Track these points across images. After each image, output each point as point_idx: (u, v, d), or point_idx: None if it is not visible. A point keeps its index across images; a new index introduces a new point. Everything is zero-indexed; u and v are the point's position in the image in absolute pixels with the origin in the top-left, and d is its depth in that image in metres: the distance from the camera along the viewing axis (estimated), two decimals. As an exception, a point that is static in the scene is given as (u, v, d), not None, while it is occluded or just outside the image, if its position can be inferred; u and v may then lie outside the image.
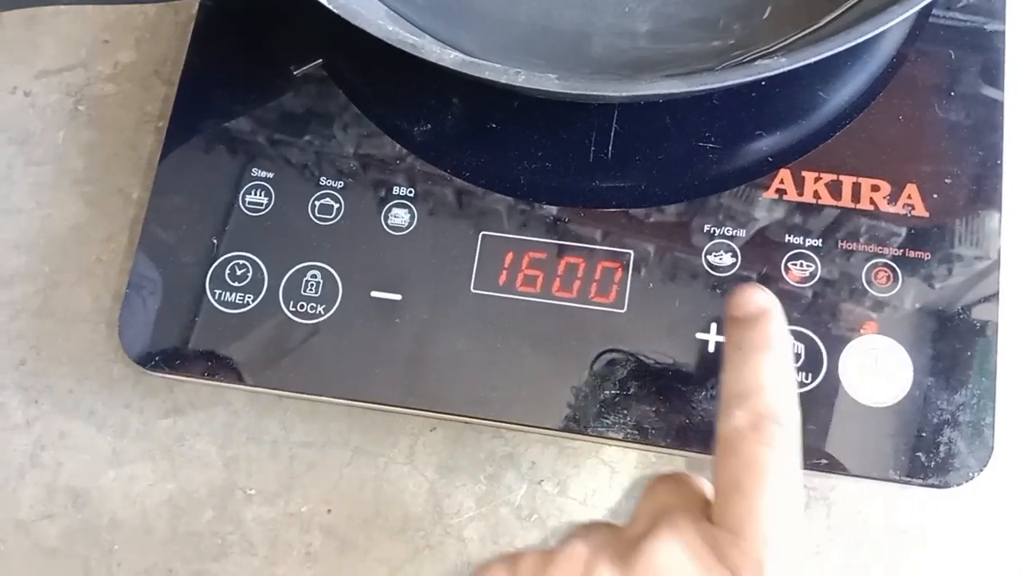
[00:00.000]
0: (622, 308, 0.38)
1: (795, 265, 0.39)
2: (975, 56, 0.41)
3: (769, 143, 0.40)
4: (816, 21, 0.41)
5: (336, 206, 0.40)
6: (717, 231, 0.39)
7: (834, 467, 0.36)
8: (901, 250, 0.38)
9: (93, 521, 0.41)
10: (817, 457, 0.36)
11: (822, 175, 0.40)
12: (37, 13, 0.48)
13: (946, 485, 0.36)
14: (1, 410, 0.43)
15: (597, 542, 0.30)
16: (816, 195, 0.39)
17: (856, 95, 0.41)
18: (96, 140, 0.46)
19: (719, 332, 0.38)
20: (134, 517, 0.41)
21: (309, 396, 0.39)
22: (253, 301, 0.39)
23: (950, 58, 0.41)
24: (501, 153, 0.41)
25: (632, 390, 0.38)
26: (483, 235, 0.40)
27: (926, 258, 0.38)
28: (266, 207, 0.41)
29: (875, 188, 0.39)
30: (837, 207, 0.39)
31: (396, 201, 0.40)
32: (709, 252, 0.39)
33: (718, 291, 0.38)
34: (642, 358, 0.38)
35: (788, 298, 0.38)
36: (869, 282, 0.38)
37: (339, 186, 0.41)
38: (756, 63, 0.35)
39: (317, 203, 0.40)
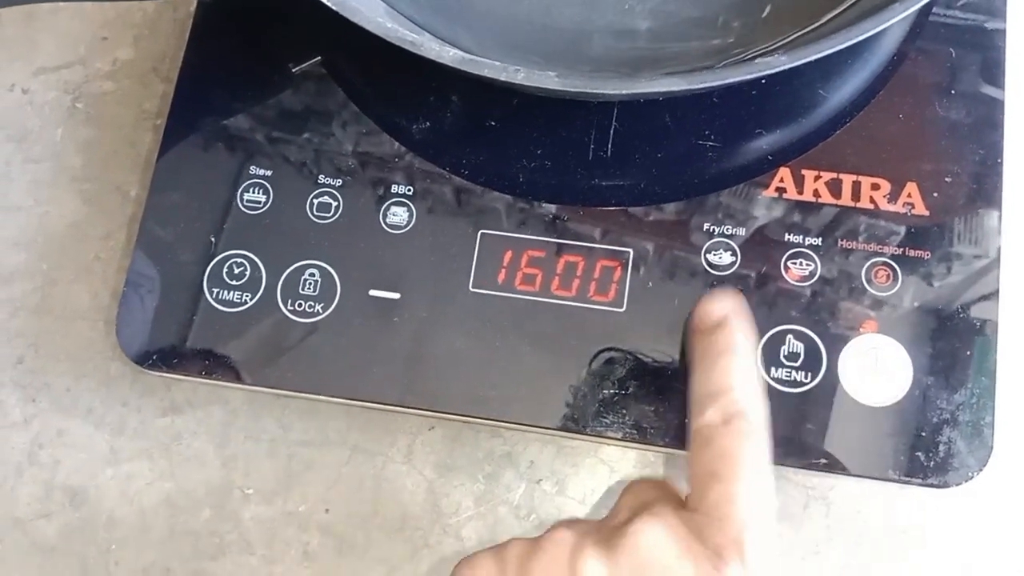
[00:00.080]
0: (621, 307, 0.38)
1: (795, 264, 0.38)
2: (975, 54, 0.41)
3: (769, 141, 0.40)
4: (816, 19, 0.41)
5: (334, 204, 0.40)
6: (716, 230, 0.39)
7: (833, 467, 0.36)
8: (901, 249, 0.38)
9: (91, 519, 0.41)
10: (816, 457, 0.36)
11: (822, 173, 0.40)
12: (35, 10, 0.48)
13: (945, 485, 0.36)
14: (-1, 408, 0.43)
15: (583, 529, 0.31)
16: (816, 193, 0.39)
17: (856, 93, 0.41)
18: (94, 137, 0.46)
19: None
20: (132, 516, 0.41)
21: (307, 395, 0.39)
22: (251, 300, 0.39)
23: (950, 56, 0.41)
24: (500, 151, 0.41)
25: (631, 389, 0.37)
26: (482, 233, 0.40)
27: (926, 257, 0.38)
28: (264, 205, 0.41)
29: (875, 187, 0.39)
30: (837, 206, 0.39)
31: (395, 199, 0.40)
32: (708, 251, 0.39)
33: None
34: (641, 357, 0.38)
35: (788, 297, 0.38)
36: (869, 281, 0.38)
37: (338, 184, 0.41)
38: (756, 61, 0.35)
39: (315, 201, 0.40)
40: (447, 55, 0.35)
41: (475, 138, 0.41)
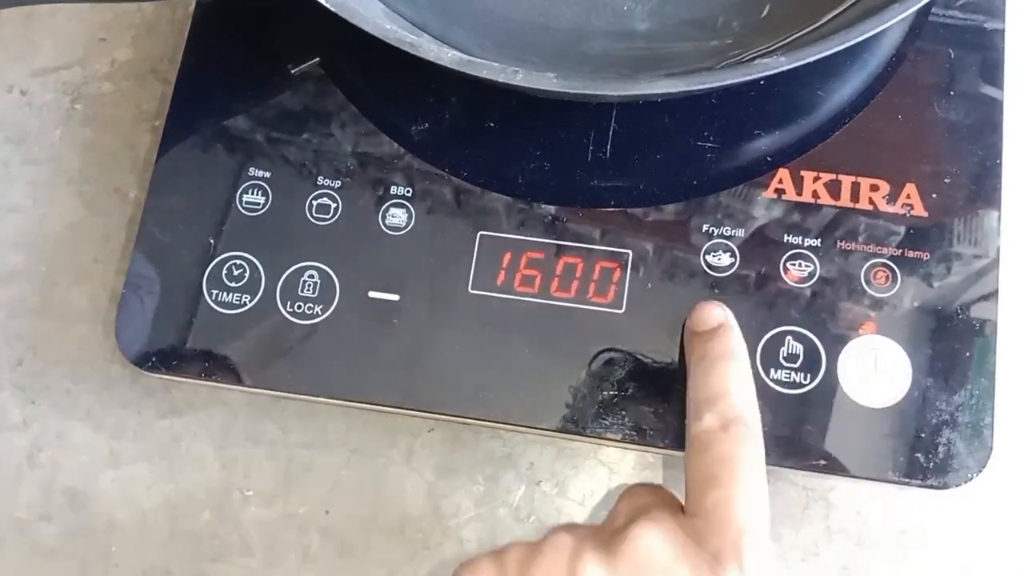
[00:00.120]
0: (620, 308, 0.38)
1: (794, 265, 0.38)
2: (974, 55, 0.41)
3: (768, 142, 0.40)
4: (816, 20, 0.41)
5: (333, 206, 0.40)
6: (716, 231, 0.39)
7: (833, 468, 0.36)
8: (900, 250, 0.38)
9: (90, 522, 0.41)
10: (816, 458, 0.36)
11: (821, 175, 0.40)
12: (34, 11, 0.48)
13: (945, 486, 0.36)
14: (-2, 410, 0.43)
15: (582, 534, 0.31)
16: (815, 195, 0.39)
17: (855, 94, 0.41)
18: (93, 139, 0.46)
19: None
20: (132, 518, 0.41)
21: (307, 397, 0.39)
22: (250, 301, 0.39)
23: (949, 57, 0.41)
24: (499, 152, 0.41)
25: (630, 391, 0.37)
26: (481, 235, 0.40)
27: (925, 258, 0.38)
28: (263, 207, 0.40)
29: (874, 188, 0.39)
30: (836, 207, 0.39)
31: (394, 201, 0.40)
32: (708, 252, 0.39)
33: (717, 291, 0.38)
34: (640, 359, 0.38)
35: (787, 298, 0.38)
36: (868, 282, 0.38)
37: (337, 186, 0.41)
38: (755, 62, 0.35)
39: (314, 203, 0.40)
40: (446, 57, 0.35)
41: (474, 139, 0.41)
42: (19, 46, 0.48)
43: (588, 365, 0.38)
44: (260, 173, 0.41)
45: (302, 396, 0.39)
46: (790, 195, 0.39)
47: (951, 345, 0.37)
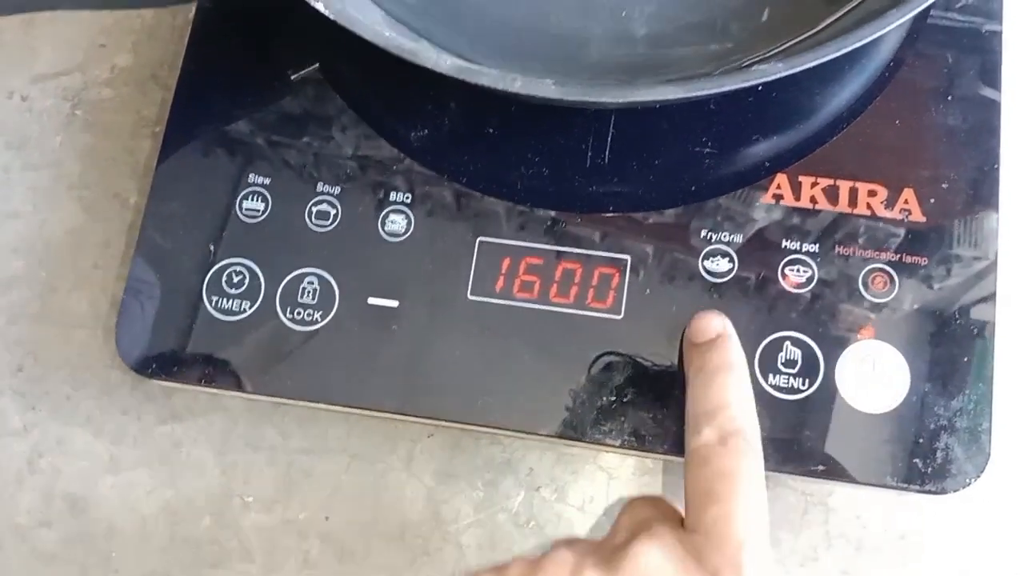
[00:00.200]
0: (619, 314, 0.38)
1: (792, 270, 0.39)
2: (972, 58, 0.41)
3: (766, 148, 0.40)
4: (814, 25, 0.41)
5: (333, 212, 0.40)
6: (714, 236, 0.39)
7: (831, 474, 0.36)
8: (898, 255, 0.38)
9: (91, 528, 0.41)
10: (814, 463, 0.36)
11: (819, 180, 0.40)
12: (34, 17, 0.48)
13: (943, 491, 0.36)
14: (-2, 416, 0.43)
15: (583, 549, 0.31)
16: (813, 200, 0.39)
17: (853, 99, 0.41)
18: (93, 145, 0.46)
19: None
20: (132, 524, 0.41)
21: (306, 403, 0.39)
22: (250, 308, 0.39)
23: (947, 61, 0.41)
24: (498, 158, 0.41)
25: (629, 396, 0.37)
26: (480, 241, 0.40)
27: (923, 263, 0.38)
28: (263, 213, 0.41)
29: (872, 193, 0.39)
30: (834, 212, 0.39)
31: (393, 207, 0.40)
32: (706, 257, 0.39)
33: (715, 296, 0.38)
34: (639, 364, 0.38)
35: (785, 303, 0.38)
36: (866, 287, 0.38)
37: (336, 192, 0.41)
38: (753, 68, 0.35)
39: (314, 209, 0.40)
40: (444, 64, 0.35)
41: (473, 145, 0.41)
42: (19, 52, 0.48)
43: (587, 371, 0.38)
44: (260, 179, 0.41)
45: (302, 402, 0.39)
46: (788, 200, 0.39)
47: (949, 350, 0.37)
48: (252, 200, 0.41)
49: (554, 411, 0.38)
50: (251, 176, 0.41)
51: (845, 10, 0.41)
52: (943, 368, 0.37)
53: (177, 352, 0.39)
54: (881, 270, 0.38)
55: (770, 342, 0.38)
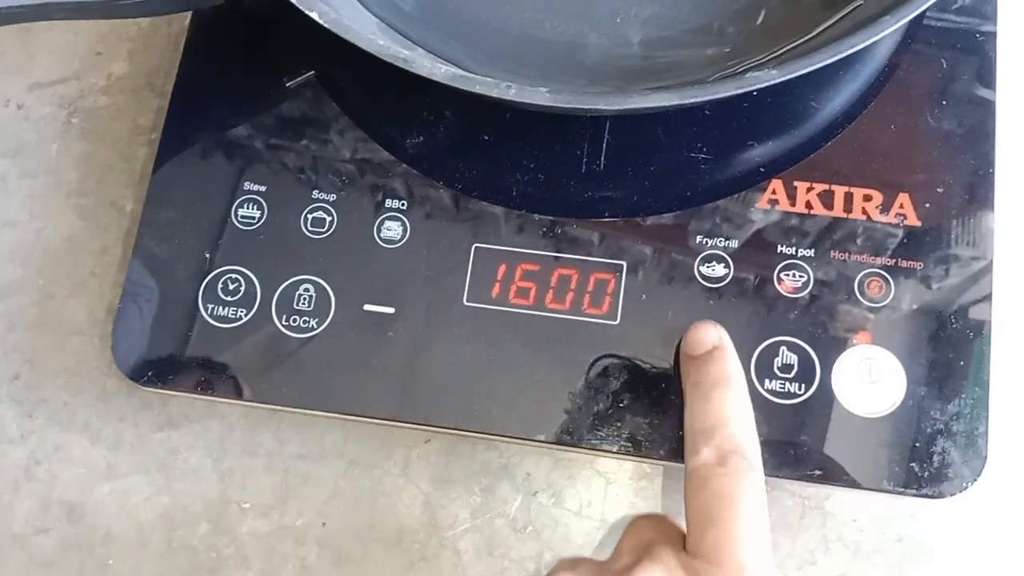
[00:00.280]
0: (615, 320, 0.38)
1: (788, 275, 0.39)
2: (967, 60, 0.41)
3: (761, 153, 0.40)
4: (810, 30, 0.41)
5: (329, 219, 0.40)
6: (709, 241, 0.39)
7: (828, 478, 0.36)
8: (894, 259, 0.38)
9: (88, 535, 0.41)
10: (811, 468, 0.36)
11: (814, 185, 0.40)
12: (31, 25, 0.48)
13: (940, 495, 0.36)
14: (-4, 424, 0.43)
15: (585, 572, 0.31)
16: (808, 205, 0.39)
17: (848, 104, 0.41)
18: (89, 152, 0.46)
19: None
20: (129, 531, 0.41)
21: (303, 410, 0.39)
22: (246, 315, 0.39)
23: (942, 63, 0.41)
24: (493, 165, 0.41)
25: (625, 402, 0.37)
26: (476, 247, 0.40)
27: (919, 267, 0.38)
28: (258, 220, 0.41)
29: (867, 197, 0.39)
30: (829, 217, 0.39)
31: (389, 214, 0.40)
32: (701, 263, 0.39)
33: (711, 301, 0.38)
34: (635, 370, 0.38)
35: (781, 308, 0.38)
36: (862, 292, 0.38)
37: (332, 199, 0.41)
38: (747, 75, 0.35)
39: (310, 216, 0.40)
40: (439, 72, 0.35)
41: (468, 152, 0.41)
42: (16, 60, 0.48)
43: (583, 376, 0.38)
44: (255, 187, 0.41)
45: (298, 409, 0.39)
46: (784, 205, 0.39)
47: (945, 354, 0.37)
48: (248, 207, 0.41)
49: (550, 417, 0.38)
50: (247, 183, 0.41)
51: (841, 14, 0.41)
52: (939, 372, 0.37)
53: (173, 359, 0.39)
54: (877, 274, 0.38)
55: (766, 347, 0.38)
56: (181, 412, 0.42)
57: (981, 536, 0.39)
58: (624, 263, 0.39)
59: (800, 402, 0.37)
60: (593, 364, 0.38)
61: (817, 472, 0.36)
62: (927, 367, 0.37)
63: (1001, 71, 0.41)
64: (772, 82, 0.35)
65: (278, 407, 0.39)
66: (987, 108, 0.41)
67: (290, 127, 0.42)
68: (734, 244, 0.39)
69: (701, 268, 0.39)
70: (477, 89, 0.35)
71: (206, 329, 0.39)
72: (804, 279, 0.38)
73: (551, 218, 0.40)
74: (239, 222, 0.41)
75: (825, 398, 0.37)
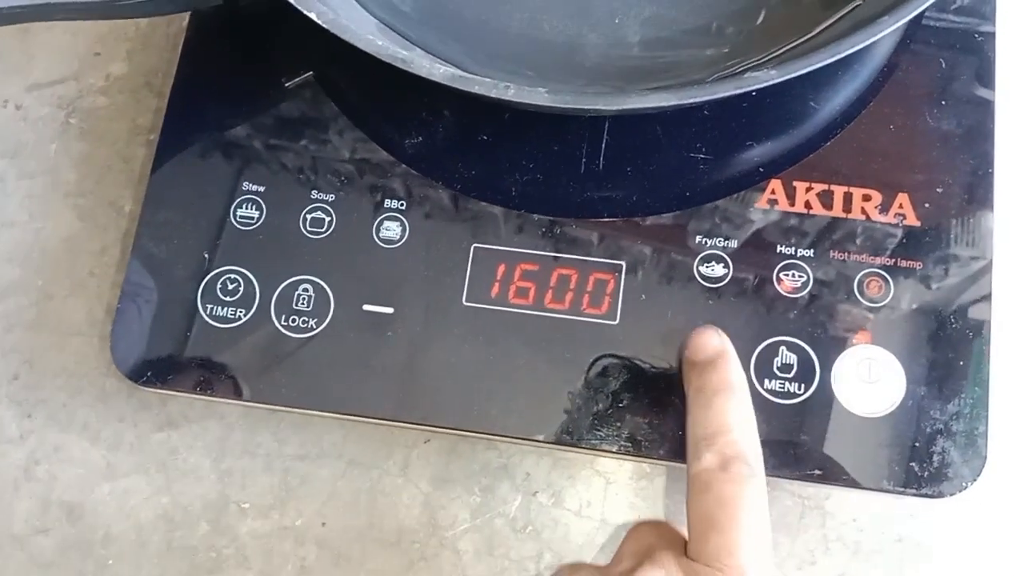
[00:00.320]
0: (614, 319, 0.38)
1: (787, 275, 0.39)
2: (966, 59, 0.41)
3: (760, 153, 0.40)
4: (810, 30, 0.41)
5: (328, 219, 0.40)
6: (709, 242, 0.39)
7: (827, 478, 0.36)
8: (893, 259, 0.38)
9: (87, 535, 0.41)
10: (810, 468, 0.36)
11: (813, 185, 0.40)
12: (29, 26, 0.48)
13: (940, 495, 0.36)
14: (-5, 424, 0.43)
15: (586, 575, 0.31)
16: (807, 205, 0.39)
17: (847, 104, 0.41)
18: (88, 152, 0.46)
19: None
20: (128, 531, 0.41)
21: (302, 410, 0.39)
22: (245, 315, 0.39)
23: (941, 63, 0.41)
24: (492, 165, 0.41)
25: (625, 402, 0.37)
26: (475, 247, 0.40)
27: (918, 267, 0.38)
28: (257, 221, 0.41)
29: (866, 197, 0.39)
30: (829, 217, 0.39)
31: (388, 214, 0.40)
32: (701, 263, 0.39)
33: (710, 301, 0.38)
34: (634, 369, 0.38)
35: (780, 308, 0.38)
36: (861, 292, 0.38)
37: (330, 199, 0.41)
38: (746, 76, 0.35)
39: (308, 216, 0.40)
40: (437, 72, 0.35)
41: (468, 152, 0.41)
42: (14, 60, 0.48)
43: (583, 376, 0.38)
44: (254, 187, 0.41)
45: (298, 409, 0.39)
46: (783, 205, 0.39)
47: (945, 354, 0.37)
48: (246, 207, 0.41)
49: (550, 417, 0.38)
50: (245, 183, 0.41)
51: (840, 14, 0.41)
52: (939, 372, 0.37)
53: (172, 360, 0.39)
54: (876, 274, 0.38)
55: (766, 347, 0.38)
56: (180, 412, 0.42)
57: (981, 536, 0.39)
58: (623, 263, 0.39)
59: (800, 402, 0.37)
60: (592, 364, 0.38)
61: (817, 472, 0.36)
62: (927, 367, 0.37)
63: (1000, 71, 0.41)
64: (771, 82, 0.35)
65: (277, 407, 0.39)
66: (986, 108, 0.41)
67: (289, 127, 0.42)
68: (733, 244, 0.39)
69: (700, 268, 0.39)
70: (476, 89, 0.35)
71: (205, 329, 0.39)
72: (803, 279, 0.38)
73: (550, 218, 0.40)
74: (238, 222, 0.41)
75: (825, 398, 0.37)
